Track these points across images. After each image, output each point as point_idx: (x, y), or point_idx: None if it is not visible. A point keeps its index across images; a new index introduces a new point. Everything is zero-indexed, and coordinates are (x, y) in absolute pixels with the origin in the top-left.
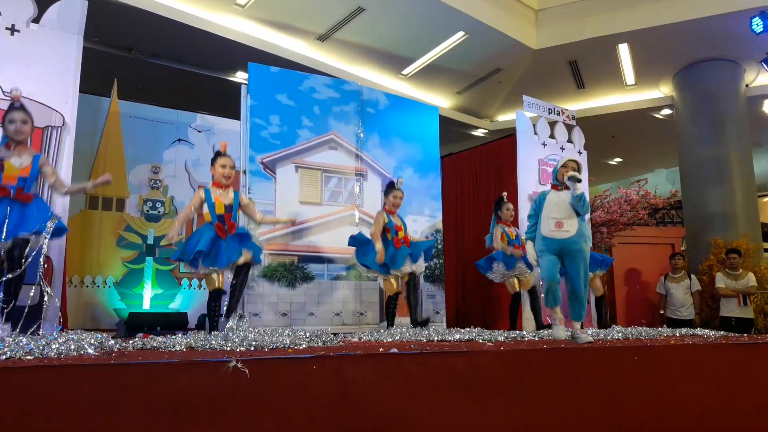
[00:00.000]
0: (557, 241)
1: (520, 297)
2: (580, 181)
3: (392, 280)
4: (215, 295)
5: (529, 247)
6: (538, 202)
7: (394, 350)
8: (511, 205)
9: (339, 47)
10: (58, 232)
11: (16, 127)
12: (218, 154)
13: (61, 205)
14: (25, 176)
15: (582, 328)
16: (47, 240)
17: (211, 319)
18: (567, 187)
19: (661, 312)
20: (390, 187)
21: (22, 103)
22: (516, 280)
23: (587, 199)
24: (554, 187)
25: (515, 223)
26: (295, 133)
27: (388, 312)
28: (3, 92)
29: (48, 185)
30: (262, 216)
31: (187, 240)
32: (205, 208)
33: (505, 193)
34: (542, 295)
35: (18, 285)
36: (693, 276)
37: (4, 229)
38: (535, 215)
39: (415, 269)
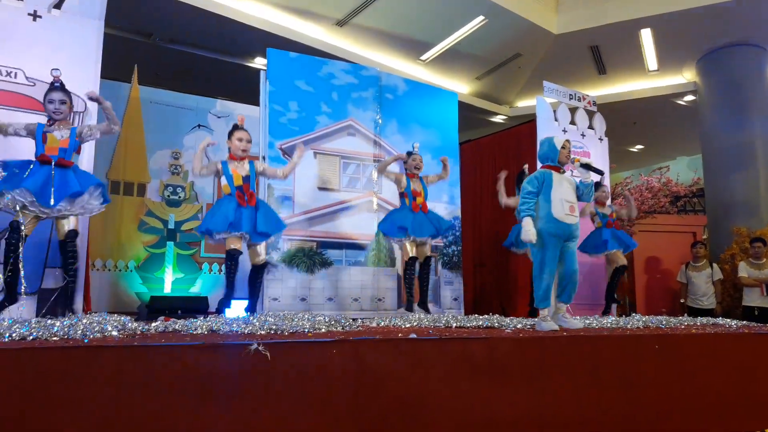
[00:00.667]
0: (567, 226)
1: None
2: (601, 172)
3: (408, 245)
4: (232, 254)
5: (529, 224)
6: (542, 181)
7: (413, 335)
8: None
9: (357, 32)
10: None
11: (55, 106)
12: (235, 128)
13: None
14: (65, 147)
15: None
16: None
17: (228, 278)
18: (566, 169)
19: (682, 301)
20: (408, 154)
21: (61, 82)
22: None
23: None
24: (555, 168)
25: None
26: (314, 120)
27: (406, 278)
28: (27, 78)
29: (101, 135)
30: (283, 170)
31: (210, 213)
32: (224, 181)
33: (526, 166)
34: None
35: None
36: (715, 265)
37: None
38: (536, 193)
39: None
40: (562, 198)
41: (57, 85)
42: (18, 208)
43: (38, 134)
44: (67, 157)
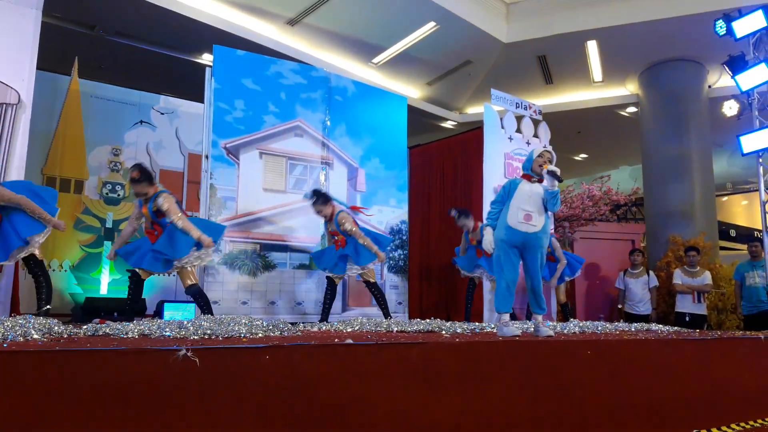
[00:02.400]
0: (522, 234)
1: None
2: (561, 180)
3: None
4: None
5: (489, 234)
6: (507, 190)
7: (349, 341)
8: None
9: (309, 33)
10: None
11: None
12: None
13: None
14: None
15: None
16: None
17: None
18: (540, 180)
19: (620, 307)
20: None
21: None
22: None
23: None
24: (526, 177)
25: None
26: (261, 119)
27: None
28: None
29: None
30: (180, 224)
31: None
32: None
33: (453, 212)
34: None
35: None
36: (651, 272)
37: None
38: (501, 202)
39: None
40: (519, 206)
41: None
42: None
43: None
44: None
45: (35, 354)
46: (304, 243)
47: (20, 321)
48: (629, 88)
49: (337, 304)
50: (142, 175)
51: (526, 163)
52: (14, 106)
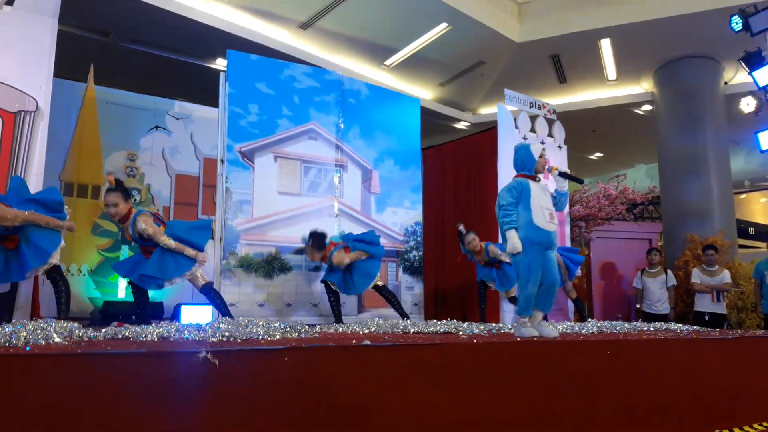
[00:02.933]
0: (548, 234)
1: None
2: (581, 181)
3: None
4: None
5: (515, 237)
6: (520, 190)
7: (367, 342)
8: None
9: (321, 36)
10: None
11: None
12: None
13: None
14: None
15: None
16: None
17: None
18: (543, 178)
19: (638, 306)
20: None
21: None
22: None
23: None
24: (529, 177)
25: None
26: (275, 123)
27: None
28: None
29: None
30: (166, 243)
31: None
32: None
33: (461, 225)
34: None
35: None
36: (669, 271)
37: None
38: (516, 203)
39: None
40: (542, 206)
41: None
42: None
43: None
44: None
45: (58, 357)
46: None
47: (42, 324)
48: (644, 86)
49: (353, 306)
50: (119, 184)
51: (527, 162)
52: (32, 114)
